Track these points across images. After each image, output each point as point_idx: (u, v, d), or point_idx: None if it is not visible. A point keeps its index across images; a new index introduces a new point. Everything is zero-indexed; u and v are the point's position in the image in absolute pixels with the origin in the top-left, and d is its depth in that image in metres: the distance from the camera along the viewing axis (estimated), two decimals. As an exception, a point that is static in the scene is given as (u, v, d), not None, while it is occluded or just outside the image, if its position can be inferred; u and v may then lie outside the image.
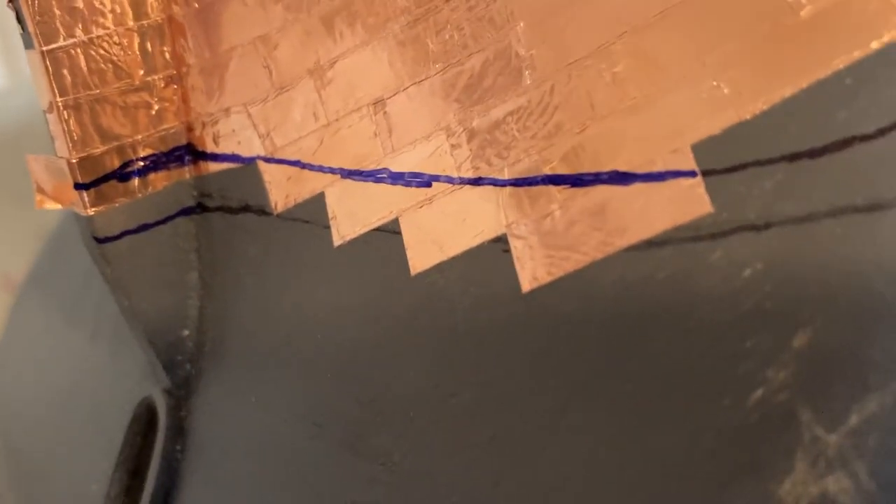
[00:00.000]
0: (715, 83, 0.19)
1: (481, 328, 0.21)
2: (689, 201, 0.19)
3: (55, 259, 0.43)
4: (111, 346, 0.34)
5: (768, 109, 0.18)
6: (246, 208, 0.27)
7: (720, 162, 0.19)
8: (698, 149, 0.19)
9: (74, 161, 0.26)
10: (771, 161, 0.18)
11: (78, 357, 0.36)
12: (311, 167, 0.25)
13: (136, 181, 0.27)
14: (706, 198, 0.19)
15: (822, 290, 0.17)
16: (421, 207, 0.23)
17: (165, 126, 0.27)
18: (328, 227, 0.25)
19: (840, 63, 0.18)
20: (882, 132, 0.17)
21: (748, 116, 0.19)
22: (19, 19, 0.25)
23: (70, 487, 0.33)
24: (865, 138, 0.18)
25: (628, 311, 0.19)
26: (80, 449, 0.33)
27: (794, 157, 0.18)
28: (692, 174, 0.19)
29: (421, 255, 0.23)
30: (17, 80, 0.98)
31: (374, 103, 0.24)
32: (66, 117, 0.25)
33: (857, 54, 0.18)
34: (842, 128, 0.18)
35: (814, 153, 0.18)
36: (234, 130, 0.27)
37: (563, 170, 0.20)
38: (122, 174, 0.26)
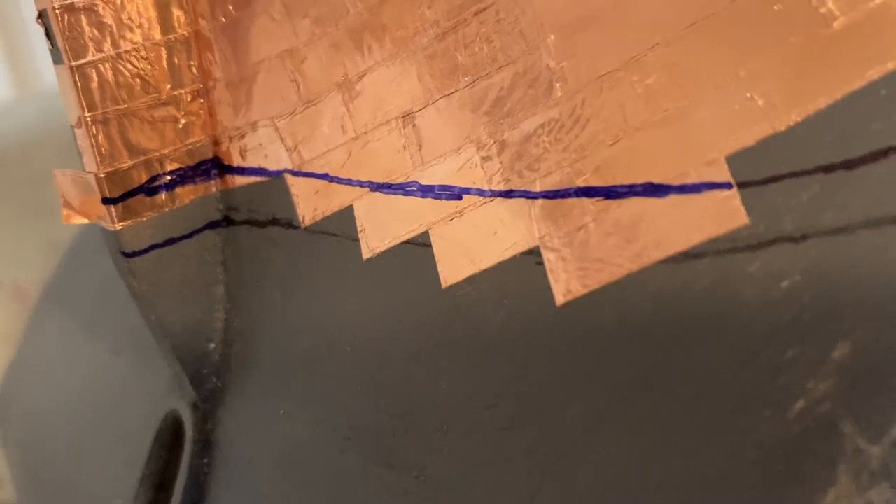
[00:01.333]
0: (748, 95, 0.19)
1: (515, 340, 0.21)
2: (725, 213, 0.19)
3: (72, 272, 0.43)
4: (133, 360, 0.34)
5: (803, 121, 0.18)
6: (273, 221, 0.27)
7: (756, 173, 0.19)
8: (733, 160, 0.19)
9: (102, 175, 0.26)
10: (807, 172, 0.18)
11: (99, 371, 0.36)
12: (339, 180, 0.25)
13: (163, 195, 0.27)
14: (742, 209, 0.19)
15: (861, 300, 0.17)
16: (451, 220, 0.23)
17: (192, 140, 0.27)
18: (357, 240, 0.25)
19: (874, 74, 0.18)
20: (918, 143, 0.18)
21: (783, 128, 0.19)
22: (48, 35, 0.25)
23: (94, 502, 0.33)
24: (902, 149, 0.18)
25: (665, 323, 0.19)
26: (102, 464, 0.33)
27: (829, 169, 0.18)
28: (728, 186, 0.19)
29: (452, 268, 0.23)
30: (25, 91, 0.98)
31: (402, 116, 0.24)
32: (95, 132, 0.26)
33: (892, 65, 0.18)
34: (878, 138, 0.18)
35: (850, 164, 0.18)
36: (261, 144, 0.27)
37: (596, 182, 0.21)
38: (150, 188, 0.27)
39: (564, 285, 0.21)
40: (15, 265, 0.61)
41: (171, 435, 0.30)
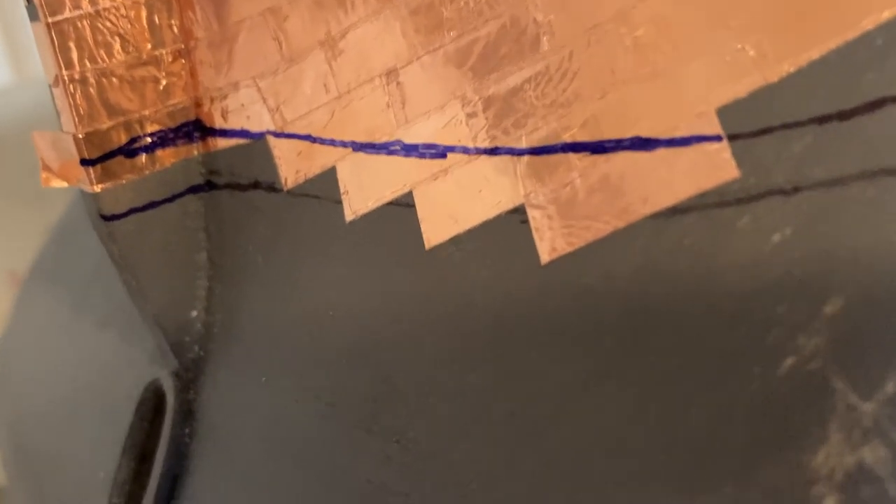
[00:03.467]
0: (740, 46, 0.18)
1: (499, 302, 0.21)
2: (715, 166, 0.18)
3: (60, 251, 0.42)
4: (119, 333, 0.33)
5: (795, 72, 0.18)
6: (255, 185, 0.26)
7: (747, 126, 0.18)
8: (724, 113, 0.18)
9: (81, 136, 0.25)
10: (799, 124, 0.18)
11: (86, 345, 0.35)
12: (321, 141, 0.25)
13: (143, 157, 0.26)
14: (732, 162, 0.18)
15: (854, 255, 0.17)
16: (435, 179, 0.22)
17: (173, 101, 0.27)
18: (340, 203, 0.24)
19: (869, 23, 0.17)
20: (915, 92, 0.17)
21: (775, 79, 0.18)
22: (24, -10, 0.25)
23: (79, 475, 0.33)
24: (897, 99, 0.17)
25: (652, 281, 0.19)
26: (88, 437, 0.33)
27: (823, 120, 0.18)
28: (717, 138, 0.18)
29: (436, 228, 0.22)
30: (23, 77, 0.98)
31: (386, 74, 0.23)
32: (73, 91, 0.25)
33: (888, 14, 0.17)
34: (872, 89, 0.17)
35: (843, 115, 0.17)
36: (242, 105, 0.26)
37: (583, 137, 0.20)
38: (130, 150, 0.26)
39: (549, 243, 0.20)
40: (10, 252, 0.61)
41: (153, 405, 0.29)
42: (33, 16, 0.25)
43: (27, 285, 0.45)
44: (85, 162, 0.25)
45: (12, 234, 0.62)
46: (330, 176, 0.24)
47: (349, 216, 0.24)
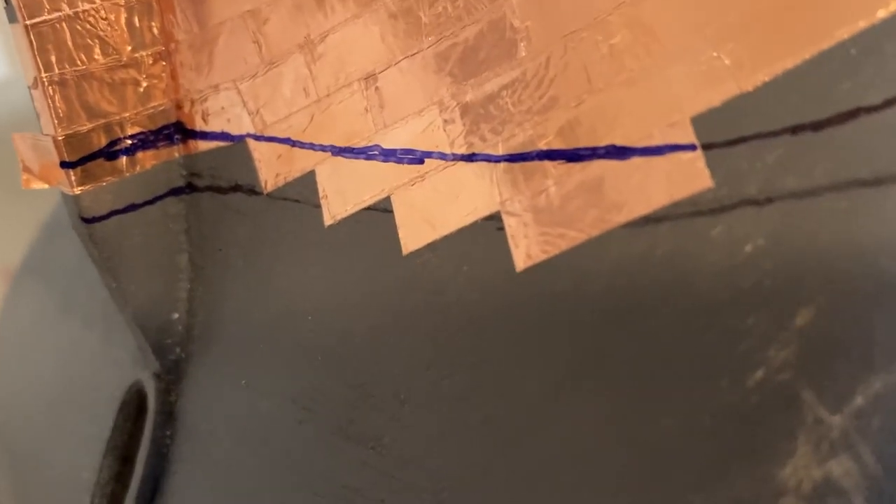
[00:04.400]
0: (715, 54, 0.18)
1: (474, 308, 0.21)
2: (689, 175, 0.18)
3: (49, 246, 0.42)
4: (104, 333, 0.33)
5: (770, 81, 0.18)
6: (236, 188, 0.26)
7: (720, 135, 0.18)
8: (698, 122, 0.18)
9: (60, 138, 0.25)
10: (773, 134, 0.18)
11: (70, 345, 0.35)
12: (301, 145, 0.24)
13: (123, 160, 0.26)
14: (706, 172, 0.18)
15: (825, 266, 0.17)
16: (413, 185, 0.22)
17: (154, 104, 0.27)
18: (319, 207, 0.24)
19: (844, 33, 0.17)
20: (888, 103, 0.17)
21: (749, 88, 0.18)
22: (3, -8, 0.24)
23: (61, 475, 0.33)
24: (871, 110, 0.17)
25: (625, 290, 0.19)
26: (71, 437, 0.33)
27: (796, 130, 0.17)
28: (691, 147, 0.18)
29: (413, 234, 0.22)
30: (17, 71, 0.98)
31: (365, 78, 0.23)
32: (52, 93, 0.25)
33: (863, 24, 0.17)
34: (846, 99, 0.17)
35: (817, 126, 0.17)
36: (223, 108, 0.26)
37: (558, 144, 0.20)
38: (110, 153, 0.26)
39: (525, 251, 0.20)
40: (2, 246, 0.61)
41: (135, 406, 0.29)
42: (12, 17, 0.25)
43: (17, 281, 0.45)
44: (65, 164, 0.25)
45: (4, 229, 0.62)
46: (309, 179, 0.24)
47: (328, 220, 0.24)
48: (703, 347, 0.17)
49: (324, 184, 0.24)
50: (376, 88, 0.23)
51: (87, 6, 0.25)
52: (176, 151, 0.27)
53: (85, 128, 0.25)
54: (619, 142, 0.19)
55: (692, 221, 0.18)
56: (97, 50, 0.25)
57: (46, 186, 0.27)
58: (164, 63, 0.27)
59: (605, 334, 0.19)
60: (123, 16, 0.26)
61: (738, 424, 0.16)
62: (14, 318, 0.43)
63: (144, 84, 0.26)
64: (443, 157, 0.22)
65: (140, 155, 0.26)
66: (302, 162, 0.24)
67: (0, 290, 0.56)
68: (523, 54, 0.21)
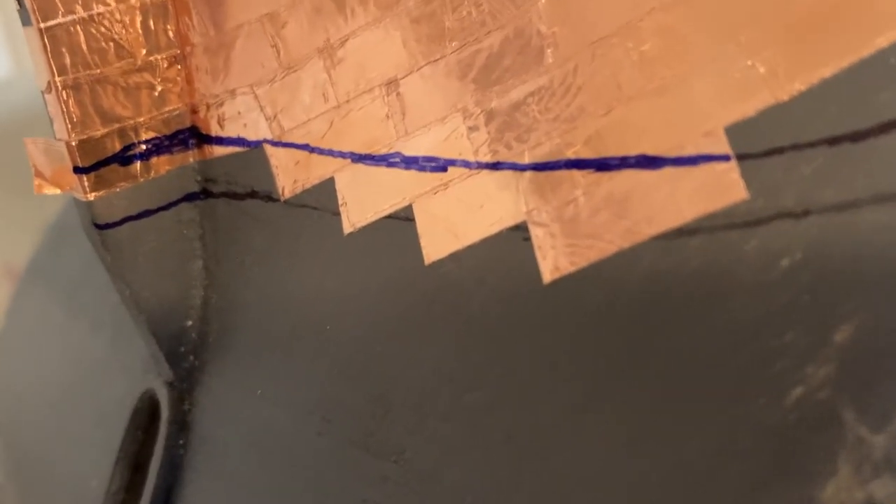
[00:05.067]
0: (749, 62, 0.18)
1: (499, 321, 0.20)
2: (723, 187, 0.18)
3: (56, 249, 0.42)
4: (112, 338, 0.33)
5: (806, 90, 0.17)
6: (252, 194, 0.26)
7: (756, 146, 0.18)
8: (732, 132, 0.18)
9: (74, 143, 0.25)
10: (810, 145, 0.17)
11: (78, 349, 0.35)
12: (320, 151, 0.24)
13: (137, 165, 0.26)
14: (741, 183, 0.18)
15: (865, 281, 0.16)
16: (435, 193, 0.22)
17: (169, 108, 0.26)
18: (338, 214, 0.24)
19: (884, 41, 0.17)
20: (929, 115, 0.16)
21: (785, 98, 0.18)
22: (16, -5, 0.24)
23: (70, 481, 0.32)
24: (912, 121, 0.17)
25: (656, 304, 0.18)
26: (80, 443, 0.33)
27: (834, 141, 0.17)
28: (726, 158, 0.18)
29: (435, 244, 0.22)
30: (21, 69, 0.97)
31: (386, 84, 0.23)
32: (66, 98, 0.24)
33: (903, 32, 0.17)
34: (885, 110, 0.17)
35: (855, 137, 0.17)
36: (239, 113, 0.26)
37: (587, 154, 0.19)
38: (124, 158, 0.25)
39: (552, 262, 0.20)
40: (7, 244, 0.61)
41: (147, 415, 0.29)
42: (25, 20, 0.24)
43: (23, 283, 0.45)
44: (78, 170, 0.25)
45: (10, 227, 0.61)
46: (328, 187, 0.24)
47: (347, 228, 0.23)
48: (738, 364, 0.17)
49: (343, 191, 0.24)
50: (398, 94, 0.22)
51: (101, 9, 0.24)
52: (191, 156, 0.27)
53: (99, 132, 0.25)
54: (650, 151, 0.19)
55: (726, 234, 0.18)
56: (112, 53, 0.25)
57: (59, 192, 0.26)
58: (179, 67, 0.26)
59: (635, 350, 0.18)
60: (139, 18, 0.25)
61: (776, 444, 0.16)
62: (20, 321, 0.42)
63: (159, 88, 0.26)
64: (466, 165, 0.21)
65: (154, 160, 0.26)
66: (321, 169, 0.24)
67: (5, 290, 0.55)
68: (550, 61, 0.20)
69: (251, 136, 0.26)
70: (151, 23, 0.25)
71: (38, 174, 0.27)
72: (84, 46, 0.24)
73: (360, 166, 0.23)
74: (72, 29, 0.24)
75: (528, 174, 0.20)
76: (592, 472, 0.18)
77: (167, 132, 0.26)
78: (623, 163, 0.19)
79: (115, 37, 0.25)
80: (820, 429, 0.16)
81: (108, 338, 0.33)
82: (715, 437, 0.17)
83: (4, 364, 0.41)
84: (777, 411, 0.16)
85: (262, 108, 0.25)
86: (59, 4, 0.24)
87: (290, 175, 0.25)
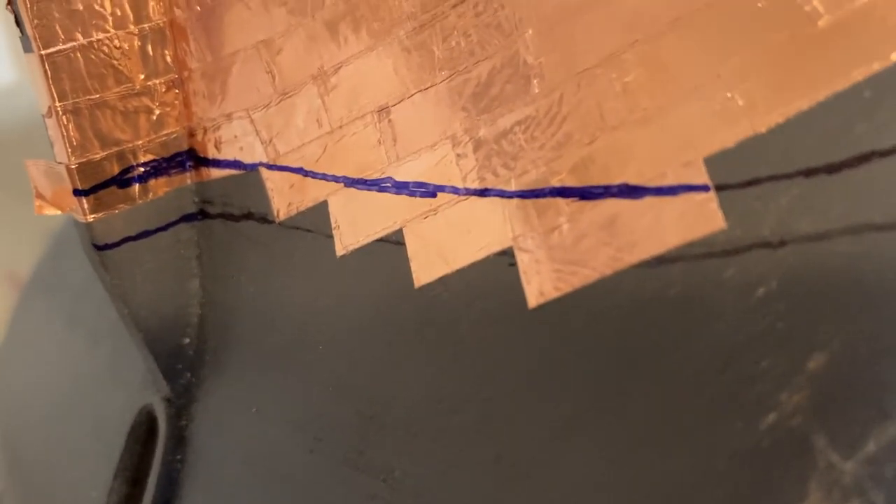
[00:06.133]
0: (729, 94, 0.18)
1: (486, 343, 0.21)
2: (702, 216, 0.18)
3: (57, 261, 0.42)
4: (112, 352, 0.33)
5: (784, 122, 0.18)
6: (248, 216, 0.27)
7: (734, 176, 0.18)
8: (711, 162, 0.18)
9: (74, 167, 0.25)
10: (787, 176, 0.18)
11: (78, 362, 0.35)
12: (314, 175, 0.25)
13: (136, 187, 0.26)
14: (719, 213, 0.18)
15: (838, 310, 0.17)
16: (425, 218, 0.22)
17: (166, 131, 0.27)
18: (331, 237, 0.24)
19: (859, 75, 0.17)
20: (902, 147, 0.17)
21: (763, 129, 0.18)
22: (18, 22, 0.25)
23: (69, 494, 0.33)
24: (885, 153, 0.17)
25: (637, 329, 0.19)
26: (79, 455, 0.33)
27: (810, 172, 0.18)
28: (705, 188, 0.18)
29: (425, 268, 0.22)
30: (24, 78, 0.98)
31: (378, 111, 0.23)
32: (66, 122, 0.25)
33: (877, 66, 0.17)
34: (860, 142, 0.17)
35: (831, 168, 0.17)
36: (236, 136, 0.26)
37: (571, 182, 0.20)
38: (122, 180, 0.26)
39: (537, 287, 0.20)
40: (10, 252, 0.61)
41: (145, 430, 0.29)
42: (27, 47, 0.25)
43: (26, 292, 0.45)
44: (78, 192, 0.25)
45: (12, 234, 0.62)
46: (322, 210, 0.24)
47: (340, 251, 0.24)
48: (715, 389, 0.17)
49: (336, 214, 0.24)
50: (389, 121, 0.23)
51: (101, 35, 0.25)
52: (188, 178, 0.27)
53: (98, 156, 0.26)
54: (632, 181, 0.19)
55: (705, 263, 0.18)
56: (111, 78, 0.25)
57: (59, 213, 0.27)
58: (176, 91, 0.27)
59: (616, 374, 0.19)
60: (137, 44, 0.26)
61: (750, 468, 0.16)
62: (22, 331, 0.43)
63: (157, 112, 0.26)
64: (455, 191, 0.22)
65: (152, 182, 0.27)
66: (315, 192, 0.25)
67: (7, 295, 0.56)
68: (537, 91, 0.21)
69: (247, 159, 0.26)
70: (150, 48, 0.26)
71: (39, 195, 0.27)
72: (84, 72, 0.25)
73: (353, 190, 0.24)
74: (72, 55, 0.25)
75: (514, 201, 0.21)
76: (577, 492, 0.19)
77: (165, 155, 0.27)
78: (606, 191, 0.19)
79: (114, 62, 0.25)
80: (792, 454, 0.16)
81: (107, 352, 0.34)
82: (692, 459, 0.17)
83: (5, 375, 0.42)
84: (751, 436, 0.17)
85: (257, 132, 0.26)
86: (60, 31, 0.24)
87: (284, 198, 0.25)
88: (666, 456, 0.18)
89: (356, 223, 0.24)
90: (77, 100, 0.25)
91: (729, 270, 0.18)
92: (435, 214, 0.22)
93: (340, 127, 0.24)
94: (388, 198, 0.23)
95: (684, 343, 0.18)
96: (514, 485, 0.20)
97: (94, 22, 0.25)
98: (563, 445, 0.19)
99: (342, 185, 0.24)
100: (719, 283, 0.18)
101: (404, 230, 0.23)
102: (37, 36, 0.24)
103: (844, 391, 0.16)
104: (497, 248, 0.21)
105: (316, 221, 0.25)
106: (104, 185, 0.26)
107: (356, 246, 0.24)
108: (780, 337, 0.17)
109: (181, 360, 0.28)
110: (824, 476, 0.16)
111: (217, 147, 0.27)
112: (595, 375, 0.19)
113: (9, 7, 0.25)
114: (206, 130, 0.27)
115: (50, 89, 0.25)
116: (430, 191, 0.22)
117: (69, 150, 0.25)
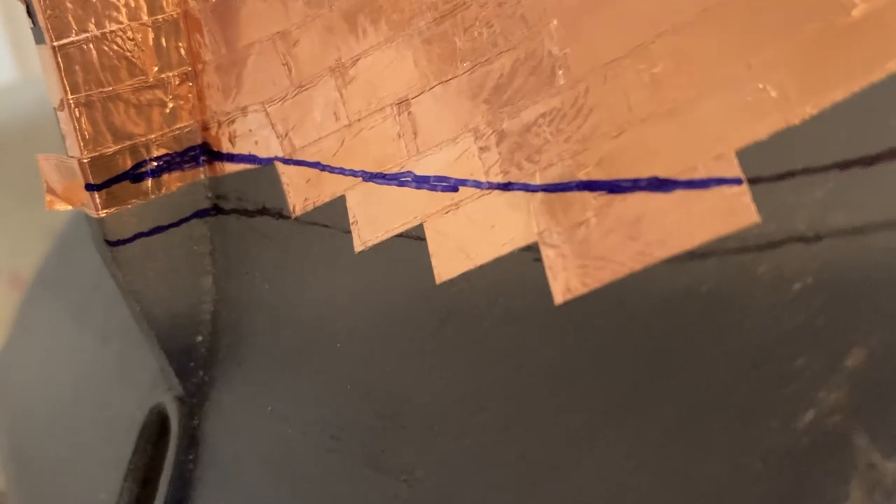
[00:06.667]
0: (761, 86, 0.18)
1: (510, 341, 0.20)
2: (734, 210, 0.18)
3: (64, 259, 0.42)
4: (121, 350, 0.33)
5: (818, 114, 0.17)
6: (263, 211, 0.26)
7: (767, 169, 0.18)
8: (743, 155, 0.18)
9: (86, 161, 0.25)
10: (821, 169, 0.17)
11: (87, 361, 0.35)
12: (331, 169, 0.24)
13: (149, 182, 0.26)
14: (752, 207, 0.18)
15: (877, 305, 0.16)
16: (447, 213, 0.22)
17: (180, 125, 0.26)
18: (349, 232, 0.24)
19: (895, 66, 0.17)
20: (942, 138, 0.17)
21: (797, 121, 0.18)
22: (30, 13, 0.24)
23: (78, 494, 0.32)
24: (924, 145, 0.17)
25: (668, 326, 0.18)
26: (88, 456, 0.33)
27: (845, 165, 0.17)
28: (737, 182, 0.18)
29: (447, 263, 0.22)
30: (26, 75, 0.97)
31: (397, 103, 0.23)
32: (78, 115, 0.25)
33: (915, 56, 0.17)
34: (896, 134, 0.17)
35: (867, 161, 0.17)
36: (251, 130, 0.26)
37: (598, 175, 0.20)
38: (135, 175, 0.26)
39: (563, 283, 0.20)
40: (13, 252, 0.61)
41: (157, 429, 0.29)
42: (39, 39, 0.24)
43: (31, 292, 0.45)
44: (90, 187, 0.25)
45: (14, 234, 0.62)
46: (339, 205, 0.24)
47: (358, 247, 0.24)
48: (750, 388, 0.17)
49: (354, 209, 0.24)
50: (409, 114, 0.23)
51: (114, 26, 0.25)
52: (202, 173, 0.27)
53: (111, 150, 0.25)
54: (661, 174, 0.19)
55: (738, 258, 0.18)
56: (124, 71, 0.25)
57: (70, 207, 0.26)
58: (190, 84, 0.26)
59: (646, 372, 0.18)
60: (151, 36, 0.25)
61: (787, 468, 0.16)
62: (28, 332, 0.42)
63: (171, 105, 0.26)
64: (478, 185, 0.21)
65: (166, 177, 0.26)
66: (332, 187, 0.24)
67: (10, 296, 0.55)
68: (562, 82, 0.20)
69: (262, 154, 0.26)
70: (163, 40, 0.26)
71: (50, 190, 0.27)
72: (97, 64, 0.25)
73: (372, 185, 0.23)
74: (85, 47, 0.24)
75: (539, 195, 0.20)
76: (604, 493, 0.18)
77: (178, 149, 0.26)
78: (635, 185, 0.19)
79: (128, 54, 0.25)
80: (832, 453, 0.16)
81: (116, 351, 0.33)
82: (727, 459, 0.17)
83: (13, 375, 0.41)
84: (789, 435, 0.16)
85: (273, 126, 0.25)
86: (73, 22, 0.24)
87: (300, 193, 0.25)
88: (697, 457, 0.17)
89: (375, 218, 0.23)
90: (90, 92, 0.25)
91: (763, 265, 0.17)
92: (457, 209, 0.22)
93: (359, 120, 0.23)
94: (407, 192, 0.23)
95: (717, 340, 0.17)
96: (538, 485, 0.19)
97: (107, 13, 0.24)
98: (590, 445, 0.19)
99: (360, 179, 0.24)
100: (753, 278, 0.17)
101: (425, 225, 0.22)
102: (49, 27, 0.24)
103: (885, 388, 0.16)
104: (521, 243, 0.20)
105: (333, 217, 0.24)
106: (117, 179, 0.25)
107: (375, 241, 0.23)
108: (817, 333, 0.17)
109: (194, 358, 0.28)
110: (865, 476, 0.15)
111: (231, 141, 0.26)
112: (623, 374, 0.19)
113: (20, -2, 0.24)
114: (220, 124, 0.26)
115: (62, 82, 0.24)
116: (451, 185, 0.22)
117: (81, 143, 0.25)
